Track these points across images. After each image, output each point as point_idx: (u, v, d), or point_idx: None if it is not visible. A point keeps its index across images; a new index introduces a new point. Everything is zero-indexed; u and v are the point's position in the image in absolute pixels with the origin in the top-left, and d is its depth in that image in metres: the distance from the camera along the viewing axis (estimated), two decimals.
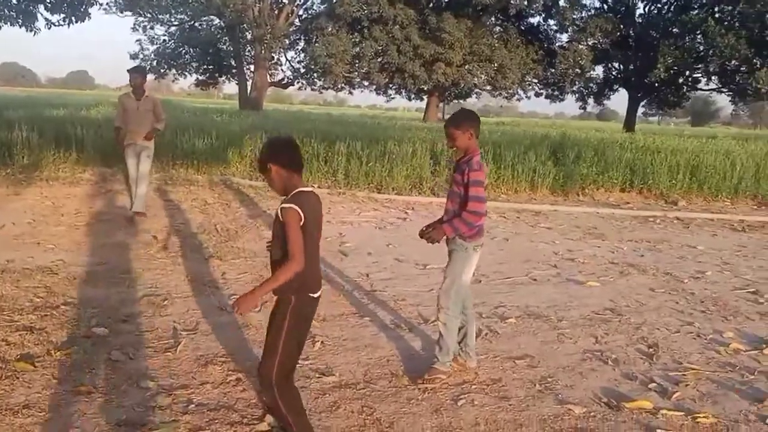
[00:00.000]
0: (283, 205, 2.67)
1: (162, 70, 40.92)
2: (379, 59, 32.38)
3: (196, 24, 41.05)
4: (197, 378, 3.61)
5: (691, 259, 7.33)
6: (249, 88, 39.50)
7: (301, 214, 2.66)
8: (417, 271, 6.20)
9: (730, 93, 33.72)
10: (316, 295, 2.85)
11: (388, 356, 4.05)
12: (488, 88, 35.65)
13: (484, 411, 3.34)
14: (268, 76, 41.27)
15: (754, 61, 28.85)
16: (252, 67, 41.37)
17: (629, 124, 34.16)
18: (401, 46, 30.83)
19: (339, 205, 9.95)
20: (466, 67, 32.04)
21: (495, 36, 33.74)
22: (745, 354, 4.29)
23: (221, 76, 44.44)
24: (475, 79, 32.51)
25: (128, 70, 7.92)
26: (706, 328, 4.79)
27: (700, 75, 34.58)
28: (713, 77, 33.76)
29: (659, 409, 3.41)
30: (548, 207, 10.76)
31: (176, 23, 40.74)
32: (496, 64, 32.01)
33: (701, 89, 36.07)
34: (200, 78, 43.55)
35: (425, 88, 33.16)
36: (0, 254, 5.89)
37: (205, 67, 42.92)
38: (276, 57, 42.18)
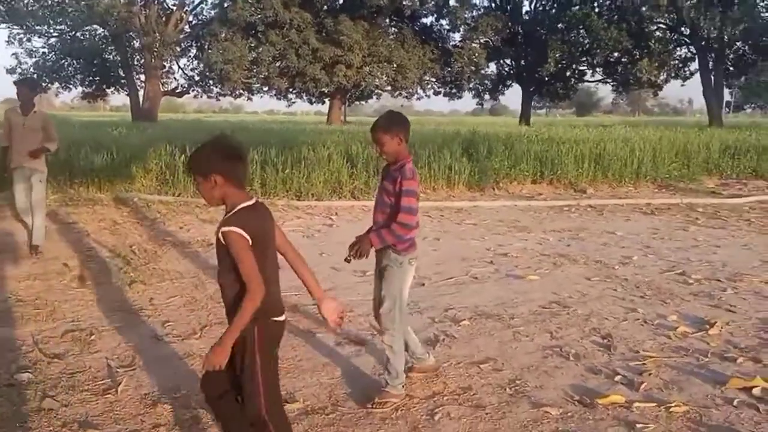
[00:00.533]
0: (224, 229, 2.34)
1: (44, 84, 38.33)
2: (278, 64, 31.88)
3: (78, 34, 38.73)
4: (147, 420, 3.26)
5: (614, 245, 7.57)
6: (141, 98, 37.75)
7: (247, 237, 2.35)
8: (356, 279, 6.01)
9: (614, 83, 35.76)
10: (281, 319, 2.58)
11: (350, 374, 3.84)
12: (389, 88, 35.90)
13: (462, 423, 3.21)
14: (161, 85, 39.68)
15: (634, 52, 30.75)
16: (142, 77, 39.63)
17: (525, 117, 35.49)
18: (300, 50, 30.48)
19: None
20: (367, 68, 32.10)
21: (391, 37, 34.04)
22: (693, 336, 4.42)
23: (109, 88, 42.24)
24: (376, 80, 32.67)
25: (15, 83, 6.93)
26: (650, 314, 4.91)
27: (585, 68, 36.49)
28: (598, 69, 35.71)
29: (632, 402, 3.41)
30: (468, 203, 10.87)
31: (56, 34, 38.31)
32: (395, 65, 32.28)
33: (587, 81, 38.07)
34: (86, 90, 41.20)
35: (327, 91, 32.92)
36: None
37: (90, 78, 40.65)
38: (168, 65, 40.67)
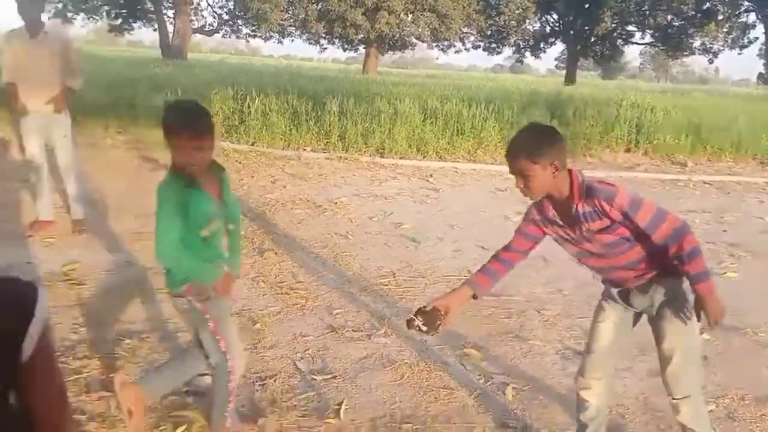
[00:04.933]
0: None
1: (69, 15, 36.98)
2: (317, 6, 30.43)
3: None
4: None
5: None
6: (171, 35, 36.39)
7: None
8: (524, 262, 5.16)
9: (665, 48, 34.20)
10: None
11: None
12: (427, 39, 34.42)
13: None
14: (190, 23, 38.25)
15: (694, 15, 29.21)
16: (170, 13, 38.18)
17: (571, 77, 34.04)
18: None
19: (349, 173, 8.73)
20: (410, 16, 30.67)
21: None
22: None
23: (135, 22, 40.77)
24: (419, 29, 31.23)
25: None
26: None
27: (635, 30, 34.89)
28: (648, 32, 34.12)
29: None
30: None
31: None
32: (437, 14, 30.78)
33: (636, 43, 36.47)
34: (112, 23, 39.76)
35: (368, 38, 31.51)
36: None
37: (117, 11, 39.19)
38: (196, 2, 39.18)
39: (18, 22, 4.82)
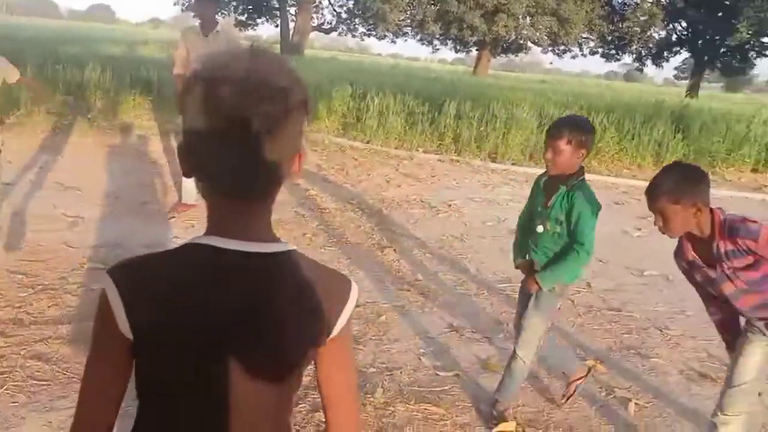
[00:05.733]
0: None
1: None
2: (436, 7, 30.56)
3: None
4: None
5: None
6: (291, 31, 37.81)
7: None
8: (639, 279, 5.10)
9: None
10: None
11: None
12: (545, 43, 33.73)
13: None
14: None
15: None
16: (293, 10, 39.67)
17: (694, 89, 32.34)
18: None
19: (461, 176, 8.82)
20: (529, 19, 30.18)
21: None
22: None
23: (260, 17, 42.67)
24: (537, 33, 30.65)
25: None
26: None
27: None
28: None
29: None
30: None
31: None
32: (558, 18, 30.08)
33: None
34: (239, 18, 41.81)
35: (483, 40, 31.31)
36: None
37: (244, 7, 41.19)
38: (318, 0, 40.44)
39: None
